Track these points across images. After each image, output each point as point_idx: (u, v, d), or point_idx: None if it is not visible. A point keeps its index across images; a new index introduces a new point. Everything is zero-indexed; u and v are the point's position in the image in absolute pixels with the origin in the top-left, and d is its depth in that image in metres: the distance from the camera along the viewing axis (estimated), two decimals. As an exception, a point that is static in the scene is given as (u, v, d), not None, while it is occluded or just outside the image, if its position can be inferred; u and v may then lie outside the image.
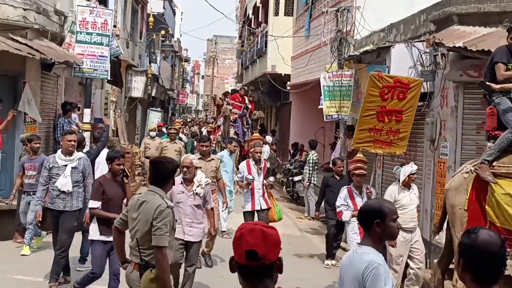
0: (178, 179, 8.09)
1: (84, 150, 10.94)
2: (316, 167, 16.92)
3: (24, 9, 12.61)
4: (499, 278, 3.10)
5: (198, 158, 10.73)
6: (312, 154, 17.06)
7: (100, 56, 14.32)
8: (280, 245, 2.96)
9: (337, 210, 10.27)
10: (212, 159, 11.86)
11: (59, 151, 9.53)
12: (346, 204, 10.13)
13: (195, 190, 8.59)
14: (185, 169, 8.56)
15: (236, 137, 20.54)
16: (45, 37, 13.46)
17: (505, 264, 3.09)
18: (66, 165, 9.24)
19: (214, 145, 21.25)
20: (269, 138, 22.90)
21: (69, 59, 13.66)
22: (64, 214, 9.25)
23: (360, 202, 9.86)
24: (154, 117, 28.54)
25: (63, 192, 9.18)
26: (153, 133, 21.08)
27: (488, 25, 9.99)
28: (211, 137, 20.14)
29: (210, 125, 26.25)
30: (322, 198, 12.40)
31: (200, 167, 9.70)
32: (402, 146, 10.68)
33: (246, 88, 26.42)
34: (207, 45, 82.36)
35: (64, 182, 9.19)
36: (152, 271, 5.49)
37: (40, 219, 9.71)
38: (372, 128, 10.54)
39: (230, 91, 25.03)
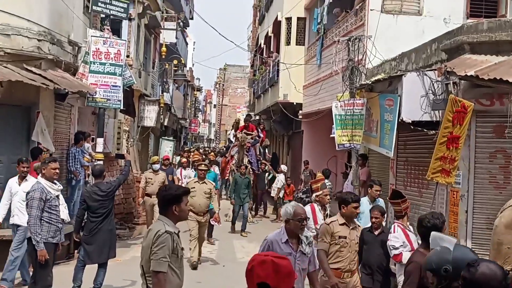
0: (278, 235, 6.57)
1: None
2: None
3: (39, 40, 12.74)
4: None
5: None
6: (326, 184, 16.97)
7: (113, 86, 14.41)
8: (293, 275, 2.92)
9: (395, 252, 8.57)
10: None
11: (40, 179, 8.96)
12: (403, 243, 8.66)
13: (303, 249, 6.60)
14: (304, 222, 6.62)
15: (249, 165, 20.67)
16: (59, 67, 13.57)
17: None
18: (58, 195, 9.12)
19: (228, 174, 21.57)
20: (284, 167, 22.96)
21: (82, 89, 13.75)
22: (57, 246, 9.13)
23: (414, 239, 8.60)
24: (167, 146, 28.58)
25: (63, 222, 9.17)
26: (156, 166, 17.46)
27: (500, 53, 9.99)
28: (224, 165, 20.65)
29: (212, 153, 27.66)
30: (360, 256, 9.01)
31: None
32: (454, 175, 9.66)
33: (257, 117, 26.50)
34: (218, 74, 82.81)
35: (65, 213, 9.19)
36: None
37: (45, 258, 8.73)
38: (442, 157, 9.62)
39: (244, 120, 25.02)
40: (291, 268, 2.87)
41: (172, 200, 5.73)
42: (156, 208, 12.69)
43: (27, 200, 8.76)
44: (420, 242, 7.60)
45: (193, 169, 19.85)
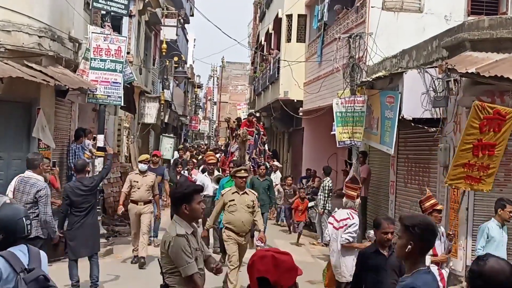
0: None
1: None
2: (330, 194, 16.86)
3: (39, 36, 12.72)
4: None
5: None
6: (328, 181, 16.95)
7: (113, 82, 14.39)
8: (296, 270, 2.90)
9: None
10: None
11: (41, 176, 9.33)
12: None
13: None
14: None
15: (249, 163, 20.53)
16: (59, 63, 13.56)
17: None
18: None
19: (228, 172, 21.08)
20: (278, 163, 22.82)
21: (83, 86, 13.74)
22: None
23: (438, 244, 8.15)
24: (167, 143, 28.56)
25: None
26: (143, 167, 13.64)
27: (501, 51, 10.00)
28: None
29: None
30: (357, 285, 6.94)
31: None
32: (489, 183, 9.27)
33: (254, 113, 26.26)
34: (220, 71, 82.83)
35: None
36: None
37: None
38: (466, 164, 9.22)
39: (242, 118, 25.00)
40: (292, 263, 2.86)
41: (182, 198, 5.68)
42: (145, 219, 13.04)
43: (43, 198, 8.91)
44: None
45: (206, 174, 16.46)
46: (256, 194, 11.09)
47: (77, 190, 10.30)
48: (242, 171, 10.86)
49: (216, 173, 16.61)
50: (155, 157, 16.04)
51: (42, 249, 8.74)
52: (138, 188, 13.18)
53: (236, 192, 10.59)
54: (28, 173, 8.97)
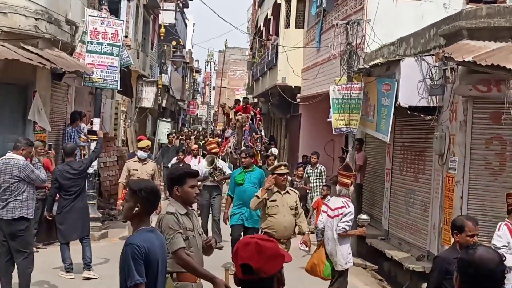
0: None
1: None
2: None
3: (36, 19, 12.67)
4: None
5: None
6: (322, 166, 16.95)
7: (110, 66, 14.35)
8: (281, 258, 2.88)
9: None
10: None
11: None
12: (507, 244, 7.54)
13: None
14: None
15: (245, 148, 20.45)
16: (56, 46, 13.51)
17: (502, 283, 3.04)
18: None
19: (223, 154, 20.75)
20: (275, 150, 22.69)
21: (79, 69, 13.69)
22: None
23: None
24: (164, 128, 28.54)
25: None
26: (143, 154, 12.82)
27: (498, 39, 9.95)
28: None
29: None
30: None
31: None
32: None
33: (248, 98, 26.06)
34: (218, 56, 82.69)
35: None
36: (171, 277, 5.59)
37: None
38: None
39: (235, 101, 24.89)
40: (277, 250, 2.84)
41: (173, 180, 5.75)
42: None
43: (29, 173, 8.84)
44: None
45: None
46: (298, 193, 9.82)
47: (65, 173, 10.32)
48: (282, 167, 9.47)
49: (220, 161, 14.82)
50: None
51: (29, 231, 8.85)
52: (138, 177, 11.94)
53: (277, 191, 9.29)
54: (9, 154, 8.88)
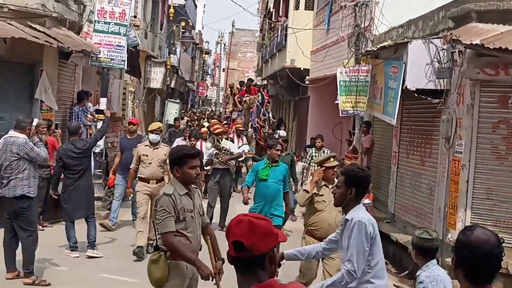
0: None
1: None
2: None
3: (43, -3, 12.66)
4: (493, 278, 3.04)
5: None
6: (327, 150, 16.77)
7: (117, 45, 14.37)
8: (274, 237, 2.86)
9: None
10: None
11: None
12: None
13: None
14: None
15: (252, 130, 20.46)
16: (63, 25, 13.51)
17: (499, 265, 3.02)
18: None
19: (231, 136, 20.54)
20: (283, 133, 22.62)
21: (86, 48, 13.70)
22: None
23: None
24: (172, 108, 28.54)
25: None
26: (155, 137, 11.26)
27: (507, 22, 9.85)
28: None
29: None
30: None
31: None
32: None
33: (252, 80, 25.83)
34: (229, 38, 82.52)
35: None
36: (157, 254, 5.62)
37: None
38: None
39: (240, 83, 24.79)
40: (270, 229, 2.82)
41: (174, 161, 5.75)
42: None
43: (29, 152, 8.79)
44: None
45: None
46: None
47: (69, 152, 10.33)
48: (332, 159, 8.59)
49: (226, 142, 14.41)
50: (132, 125, 13.44)
51: (31, 209, 8.86)
52: (149, 163, 10.99)
53: (325, 185, 8.44)
54: (11, 132, 8.88)
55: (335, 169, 8.50)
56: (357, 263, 5.03)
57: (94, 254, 10.47)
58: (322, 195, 8.36)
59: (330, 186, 8.18)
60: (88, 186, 10.74)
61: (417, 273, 5.56)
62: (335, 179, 8.14)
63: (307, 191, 8.40)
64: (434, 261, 5.57)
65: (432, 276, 5.34)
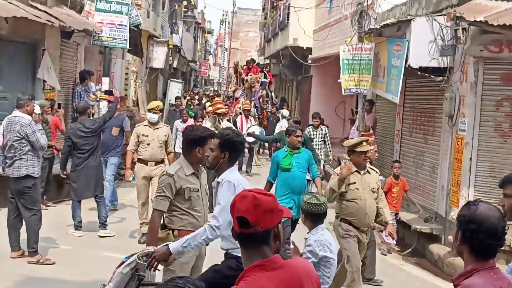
0: None
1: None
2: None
3: (44, -24, 12.60)
4: (497, 252, 3.05)
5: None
6: (324, 128, 16.24)
7: (119, 25, 14.30)
8: (278, 213, 2.85)
9: None
10: None
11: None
12: None
13: None
14: None
15: (255, 110, 20.39)
16: (64, 4, 13.46)
17: (504, 238, 3.03)
18: None
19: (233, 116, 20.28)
20: (286, 112, 22.43)
21: (88, 27, 13.65)
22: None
23: None
24: (175, 88, 28.46)
25: None
26: (154, 117, 10.56)
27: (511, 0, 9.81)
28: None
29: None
30: None
31: None
32: None
33: (254, 60, 25.57)
34: (232, 17, 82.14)
35: None
36: (164, 232, 5.64)
37: None
38: None
39: (246, 62, 24.63)
40: (275, 205, 2.81)
41: (197, 141, 5.66)
42: (154, 182, 9.90)
43: (30, 135, 8.71)
44: None
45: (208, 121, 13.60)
46: (378, 171, 8.34)
47: (78, 131, 10.31)
48: (364, 143, 7.76)
49: (226, 123, 13.70)
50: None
51: (36, 188, 8.85)
52: (148, 144, 10.36)
53: (356, 171, 7.67)
54: (14, 112, 8.82)
55: (367, 153, 7.86)
56: (221, 219, 5.10)
57: (106, 234, 10.45)
58: (354, 182, 7.61)
59: (362, 172, 7.67)
60: (97, 166, 10.72)
61: (306, 236, 5.86)
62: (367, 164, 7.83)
63: (334, 190, 7.55)
64: (323, 225, 5.87)
65: (320, 240, 5.65)
